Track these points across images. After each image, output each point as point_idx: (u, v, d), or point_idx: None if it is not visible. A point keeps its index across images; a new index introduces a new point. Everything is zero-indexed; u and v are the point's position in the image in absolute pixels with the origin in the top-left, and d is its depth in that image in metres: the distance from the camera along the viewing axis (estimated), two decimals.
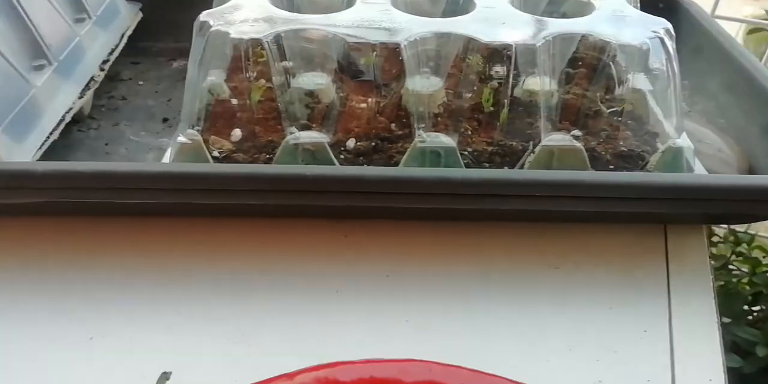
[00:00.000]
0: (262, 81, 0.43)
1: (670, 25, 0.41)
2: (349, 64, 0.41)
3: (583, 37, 0.42)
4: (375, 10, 0.41)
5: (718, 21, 0.79)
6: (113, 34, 0.55)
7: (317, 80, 0.45)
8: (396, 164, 0.41)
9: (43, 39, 0.45)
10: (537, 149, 0.40)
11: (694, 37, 0.56)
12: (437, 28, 0.39)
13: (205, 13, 0.39)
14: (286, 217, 0.41)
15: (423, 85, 0.45)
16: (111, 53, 0.53)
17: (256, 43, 0.38)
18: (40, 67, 0.45)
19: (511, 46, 0.39)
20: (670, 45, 0.39)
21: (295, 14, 0.40)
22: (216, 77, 0.45)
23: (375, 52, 0.39)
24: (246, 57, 0.39)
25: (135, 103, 0.54)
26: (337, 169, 0.37)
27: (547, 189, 0.37)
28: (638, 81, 0.43)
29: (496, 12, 0.42)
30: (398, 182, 0.36)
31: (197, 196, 0.37)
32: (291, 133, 0.40)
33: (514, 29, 0.40)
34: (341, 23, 0.39)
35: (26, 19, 0.44)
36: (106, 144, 0.49)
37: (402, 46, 0.38)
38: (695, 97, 0.54)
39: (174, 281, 0.38)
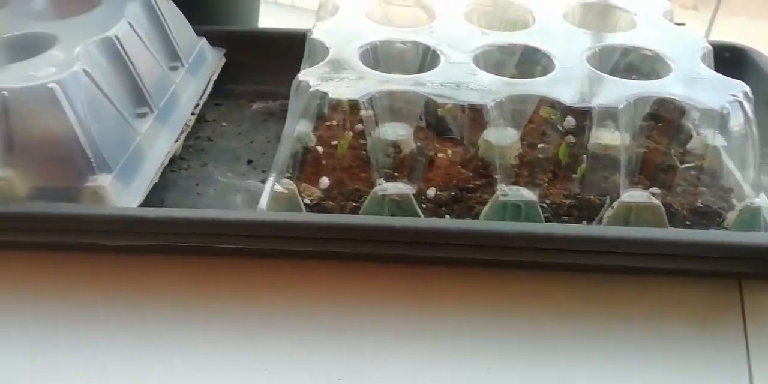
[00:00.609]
0: (350, 133, 0.46)
1: (748, 88, 0.42)
2: (437, 121, 0.44)
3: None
4: (461, 70, 0.43)
5: None
6: (202, 80, 0.58)
7: (400, 131, 0.47)
8: (476, 215, 0.43)
9: (146, 88, 0.49)
10: (615, 205, 0.42)
11: (762, 89, 0.57)
12: (521, 90, 0.41)
13: (303, 72, 0.42)
14: (367, 261, 0.43)
15: (500, 137, 0.47)
16: (200, 98, 0.57)
17: (352, 102, 0.40)
18: (143, 115, 0.48)
19: (594, 109, 0.40)
20: (749, 108, 0.41)
21: (386, 75, 0.43)
22: (304, 127, 0.48)
23: (464, 113, 0.41)
24: (341, 114, 0.41)
25: (220, 145, 0.57)
26: (425, 222, 0.39)
27: (629, 246, 0.38)
28: (713, 137, 0.45)
29: (576, 73, 0.44)
30: (484, 236, 0.38)
31: (295, 243, 0.39)
32: (379, 184, 0.42)
33: (595, 91, 0.42)
34: (430, 83, 0.42)
35: (132, 70, 0.48)
36: (197, 184, 0.52)
37: (488, 107, 0.40)
38: (764, 149, 0.55)
39: (265, 320, 0.40)
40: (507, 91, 0.41)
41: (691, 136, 0.48)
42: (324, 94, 0.40)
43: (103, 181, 0.42)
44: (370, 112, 0.41)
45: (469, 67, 0.44)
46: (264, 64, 0.65)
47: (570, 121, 0.51)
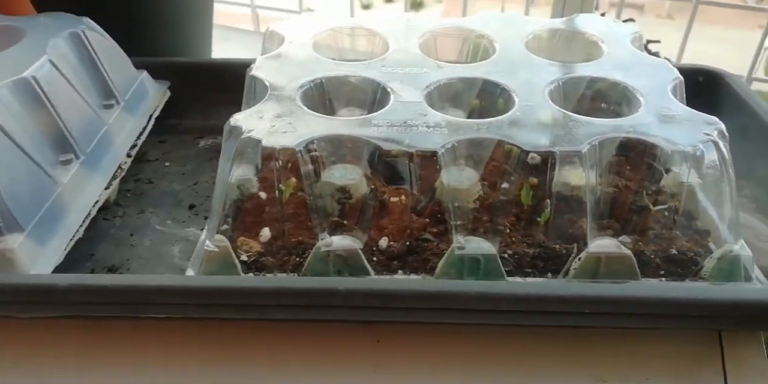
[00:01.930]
0: (293, 179, 0.42)
1: (722, 125, 0.38)
2: (385, 168, 0.40)
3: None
4: (412, 110, 0.39)
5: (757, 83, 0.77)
6: (141, 118, 0.54)
7: (349, 175, 0.43)
8: (432, 269, 0.39)
9: (70, 133, 0.44)
10: (583, 256, 0.38)
11: (737, 116, 0.54)
12: (476, 134, 0.38)
13: (235, 117, 0.38)
14: (314, 321, 0.39)
15: (458, 179, 0.43)
16: (138, 138, 0.52)
17: (288, 150, 0.36)
18: (66, 162, 0.44)
19: (556, 152, 0.37)
20: (724, 147, 0.37)
21: (328, 118, 0.39)
22: (245, 172, 0.44)
23: (411, 162, 0.37)
24: (276, 163, 0.37)
25: (161, 188, 0.53)
26: (372, 283, 0.35)
27: (598, 306, 0.34)
28: (687, 176, 0.41)
29: (536, 111, 0.40)
30: (437, 298, 0.34)
31: (224, 311, 0.35)
32: (322, 238, 0.38)
33: (557, 131, 0.38)
34: (376, 126, 0.38)
35: (54, 113, 0.43)
36: (131, 235, 0.48)
37: (439, 153, 0.37)
38: (741, 181, 0.52)
39: None
40: (460, 135, 0.37)
41: (662, 175, 0.45)
42: (257, 142, 0.36)
43: (12, 242, 0.37)
44: (309, 160, 0.37)
45: (420, 107, 0.40)
46: (212, 97, 0.61)
47: (535, 157, 0.48)
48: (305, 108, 0.40)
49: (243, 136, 0.36)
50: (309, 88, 0.43)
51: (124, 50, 0.55)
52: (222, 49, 0.77)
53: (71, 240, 0.41)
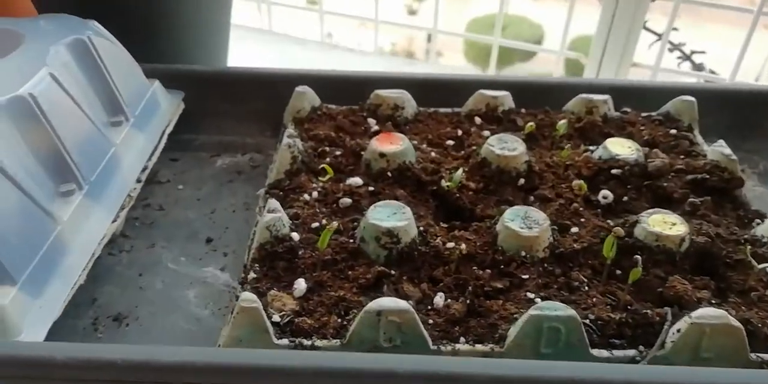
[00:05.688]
0: (334, 223, 0.36)
1: None
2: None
3: None
4: None
5: None
6: (153, 135, 0.47)
7: (396, 215, 0.37)
8: (501, 338, 0.33)
9: (72, 159, 0.38)
10: (684, 326, 0.32)
11: None
12: None
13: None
14: None
15: (523, 223, 0.37)
16: (149, 159, 0.46)
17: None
18: (68, 193, 0.37)
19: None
20: None
21: None
22: (276, 209, 0.38)
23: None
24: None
25: (174, 215, 0.47)
26: (438, 364, 0.29)
27: None
28: None
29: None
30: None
31: None
32: (364, 303, 0.32)
33: None
34: None
35: (54, 136, 0.37)
36: (140, 275, 0.41)
37: None
38: None
39: None
40: None
41: (751, 221, 0.39)
42: None
43: (2, 298, 0.31)
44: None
45: None
46: (232, 110, 0.55)
47: (607, 196, 0.42)
48: None
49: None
50: None
51: (133, 56, 0.48)
52: (236, 49, 0.70)
53: (72, 288, 0.35)
